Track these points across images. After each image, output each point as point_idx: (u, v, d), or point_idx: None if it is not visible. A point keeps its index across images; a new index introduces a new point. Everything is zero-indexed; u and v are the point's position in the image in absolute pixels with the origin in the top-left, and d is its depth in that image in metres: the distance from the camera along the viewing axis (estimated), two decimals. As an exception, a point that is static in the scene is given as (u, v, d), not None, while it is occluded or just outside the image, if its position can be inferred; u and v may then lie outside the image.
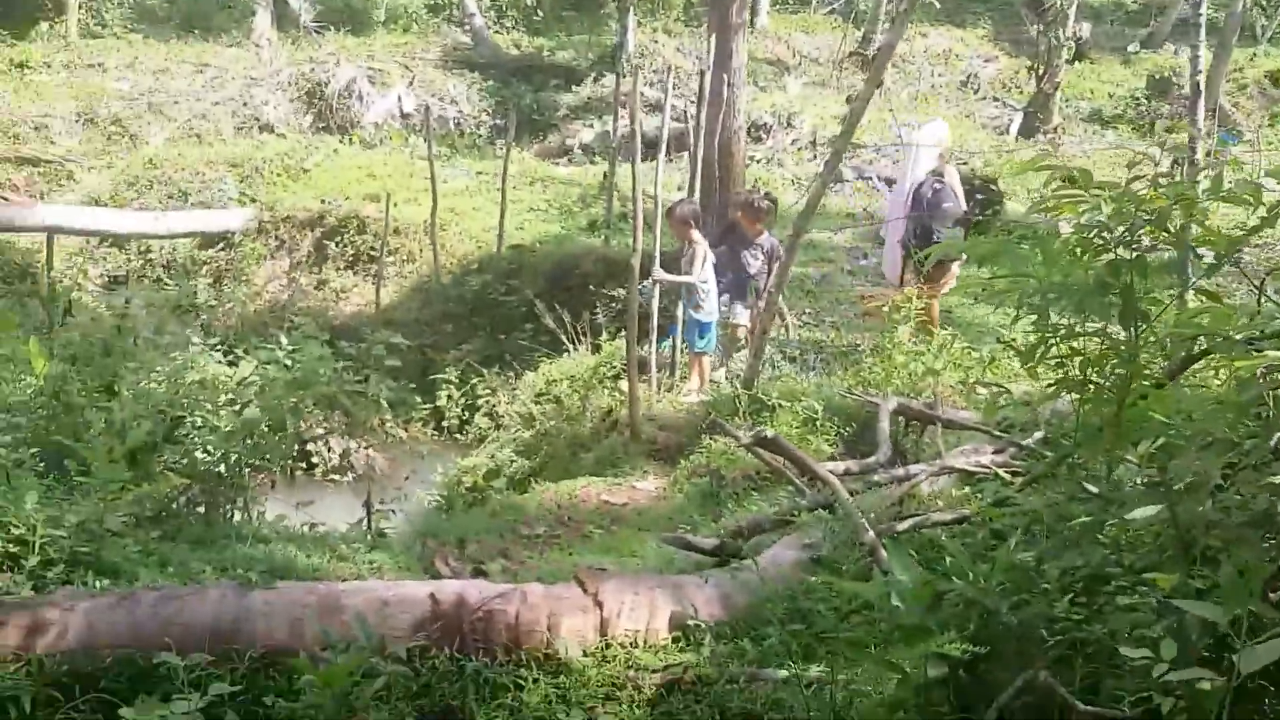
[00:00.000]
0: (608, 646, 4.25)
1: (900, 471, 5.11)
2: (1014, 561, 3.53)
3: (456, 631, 4.27)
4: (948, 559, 3.53)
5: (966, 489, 5.22)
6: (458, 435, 13.34)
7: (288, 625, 4.28)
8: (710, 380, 9.64)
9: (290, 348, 6.74)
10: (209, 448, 6.09)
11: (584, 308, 12.87)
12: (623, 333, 9.71)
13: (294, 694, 4.01)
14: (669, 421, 9.19)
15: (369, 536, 6.36)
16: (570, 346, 11.56)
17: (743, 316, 9.71)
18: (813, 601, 4.35)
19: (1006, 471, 5.11)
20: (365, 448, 11.51)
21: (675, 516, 7.00)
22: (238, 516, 6.41)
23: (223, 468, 6.21)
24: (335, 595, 4.38)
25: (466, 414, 13.46)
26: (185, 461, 6.25)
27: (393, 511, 7.21)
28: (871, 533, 3.79)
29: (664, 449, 8.71)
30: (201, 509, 6.28)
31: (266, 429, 6.20)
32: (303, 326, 6.89)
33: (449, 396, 13.60)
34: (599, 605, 4.33)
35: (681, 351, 10.10)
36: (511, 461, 10.09)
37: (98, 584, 4.86)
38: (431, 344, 14.62)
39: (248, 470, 6.36)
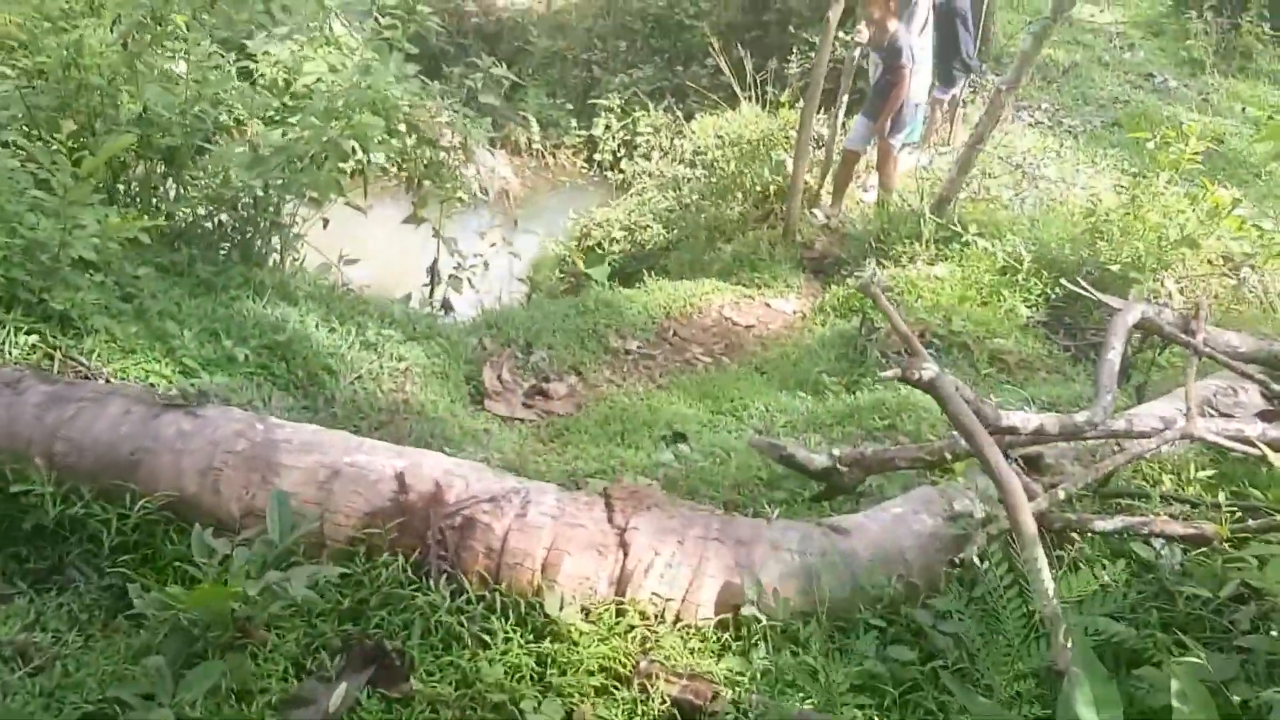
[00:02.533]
0: (622, 613, 2.93)
1: (1119, 423, 3.44)
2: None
3: (420, 537, 3.02)
4: (1174, 684, 1.99)
5: (1215, 469, 3.52)
6: (609, 173, 11.88)
7: (200, 474, 3.11)
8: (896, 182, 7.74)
9: (367, 56, 5.28)
10: (235, 172, 4.84)
11: (776, 53, 10.86)
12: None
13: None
14: (834, 224, 7.49)
15: (415, 320, 5.09)
16: (744, 99, 9.71)
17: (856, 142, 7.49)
18: (935, 616, 2.89)
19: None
20: (476, 174, 10.19)
21: (804, 363, 5.50)
22: (273, 260, 5.25)
23: (253, 198, 4.99)
24: (273, 448, 3.15)
25: (622, 150, 11.94)
26: (215, 183, 5.06)
27: (469, 279, 5.91)
28: (1052, 601, 2.24)
29: (818, 259, 7.08)
30: (227, 247, 5.12)
31: (309, 160, 4.88)
32: (386, 29, 5.34)
33: (607, 126, 12.06)
34: (623, 546, 2.98)
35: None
36: (646, 227, 8.64)
37: (22, 339, 3.80)
38: (600, 61, 12.91)
39: (289, 202, 5.12)
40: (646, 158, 11.36)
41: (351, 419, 4.21)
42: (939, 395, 2.67)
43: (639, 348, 5.60)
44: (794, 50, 10.79)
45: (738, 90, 9.77)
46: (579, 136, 12.26)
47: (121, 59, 5.09)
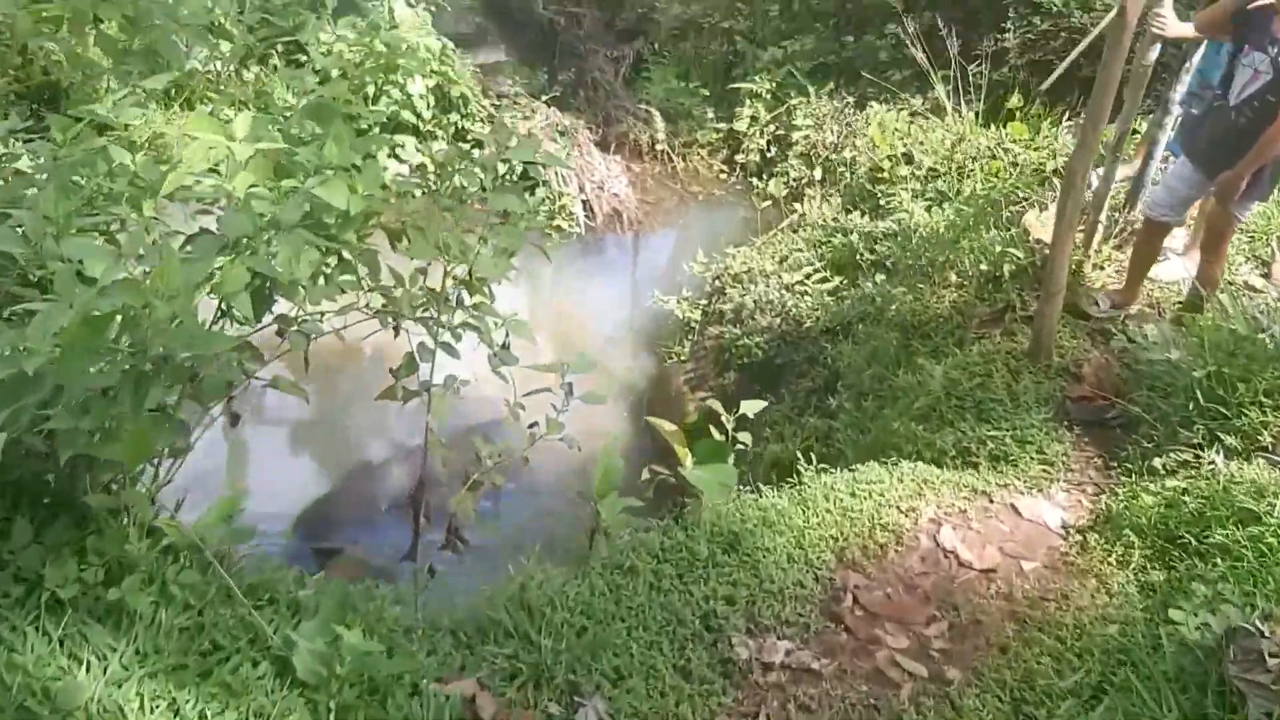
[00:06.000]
0: None
1: None
2: None
3: None
4: None
5: None
6: (754, 179, 9.17)
7: None
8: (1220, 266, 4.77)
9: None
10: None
11: (989, 28, 7.88)
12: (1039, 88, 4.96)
13: None
14: (1120, 329, 4.67)
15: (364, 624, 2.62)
16: (940, 91, 6.85)
17: (1172, 209, 4.58)
18: None
19: None
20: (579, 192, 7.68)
21: (1118, 701, 2.79)
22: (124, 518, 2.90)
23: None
24: None
25: (773, 149, 9.19)
26: None
27: (493, 483, 3.40)
28: None
29: (1091, 403, 4.29)
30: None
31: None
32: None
33: (753, 118, 9.32)
34: None
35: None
36: (804, 294, 5.96)
37: None
38: (745, 31, 10.11)
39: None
40: (805, 161, 8.61)
41: None
42: None
43: (788, 654, 3.02)
44: (1008, 24, 7.76)
45: (932, 75, 6.90)
46: (716, 132, 9.56)
47: None
